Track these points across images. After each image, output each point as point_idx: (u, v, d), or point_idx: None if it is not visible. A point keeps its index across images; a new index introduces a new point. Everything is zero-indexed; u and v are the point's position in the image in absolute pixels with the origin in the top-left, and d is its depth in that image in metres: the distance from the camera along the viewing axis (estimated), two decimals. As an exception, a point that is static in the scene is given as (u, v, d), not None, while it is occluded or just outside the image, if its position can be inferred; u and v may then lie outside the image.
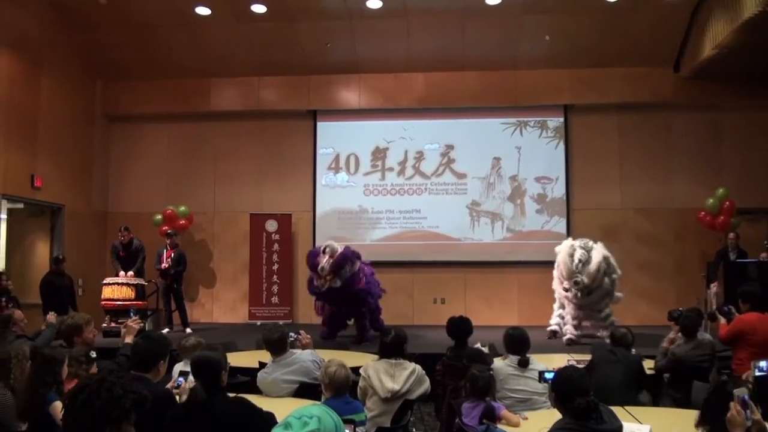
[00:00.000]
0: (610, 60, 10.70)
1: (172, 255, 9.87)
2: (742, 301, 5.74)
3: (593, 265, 8.00)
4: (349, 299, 8.32)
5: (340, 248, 8.17)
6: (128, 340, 4.44)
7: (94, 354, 4.03)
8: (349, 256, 8.07)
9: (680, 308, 5.79)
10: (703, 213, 10.17)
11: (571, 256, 8.14)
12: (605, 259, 8.14)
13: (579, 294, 8.07)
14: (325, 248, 8.09)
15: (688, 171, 10.94)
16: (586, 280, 7.97)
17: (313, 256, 8.15)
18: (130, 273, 9.56)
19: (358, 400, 4.17)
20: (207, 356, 3.34)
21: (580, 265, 8.02)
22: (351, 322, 8.79)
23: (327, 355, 5.08)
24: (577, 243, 8.32)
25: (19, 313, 5.82)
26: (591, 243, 8.32)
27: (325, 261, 7.93)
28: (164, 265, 9.80)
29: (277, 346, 4.65)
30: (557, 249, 8.54)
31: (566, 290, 8.23)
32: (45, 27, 10.01)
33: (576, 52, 10.65)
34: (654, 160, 11.04)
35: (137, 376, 3.29)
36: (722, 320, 5.74)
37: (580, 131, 11.24)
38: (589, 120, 11.23)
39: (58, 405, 3.34)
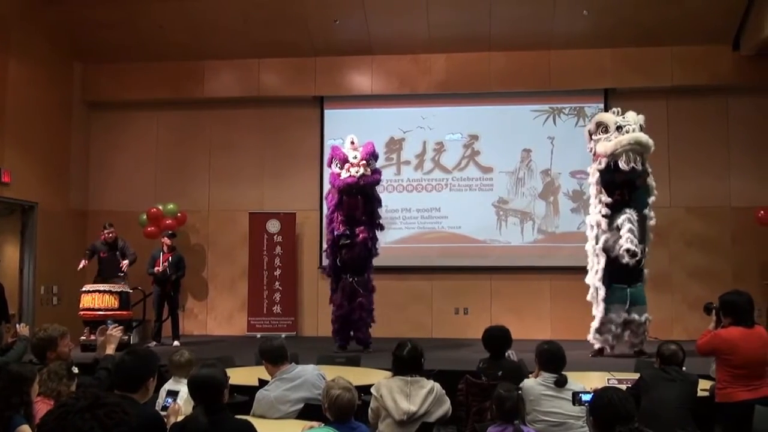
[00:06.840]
0: (659, 37, 10.58)
1: (170, 259, 9.92)
2: (723, 314, 4.97)
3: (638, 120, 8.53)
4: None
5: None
6: (109, 351, 4.45)
7: (76, 369, 4.06)
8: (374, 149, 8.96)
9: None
10: (763, 212, 10.04)
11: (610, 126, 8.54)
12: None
13: (637, 165, 8.16)
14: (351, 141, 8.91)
15: (747, 164, 10.78)
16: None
17: (338, 148, 8.86)
18: (125, 262, 9.65)
19: (368, 422, 4.14)
20: (207, 375, 3.39)
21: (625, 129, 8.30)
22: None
23: (334, 370, 5.05)
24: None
25: None
26: None
27: (355, 152, 8.71)
28: (158, 268, 9.82)
29: (277, 354, 4.66)
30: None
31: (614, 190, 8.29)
32: (12, 0, 9.95)
33: (619, 28, 10.54)
34: (709, 152, 10.90)
35: (122, 396, 3.30)
36: (711, 324, 5.17)
37: (624, 119, 11.13)
38: (633, 106, 10.76)
39: (25, 430, 3.37)
